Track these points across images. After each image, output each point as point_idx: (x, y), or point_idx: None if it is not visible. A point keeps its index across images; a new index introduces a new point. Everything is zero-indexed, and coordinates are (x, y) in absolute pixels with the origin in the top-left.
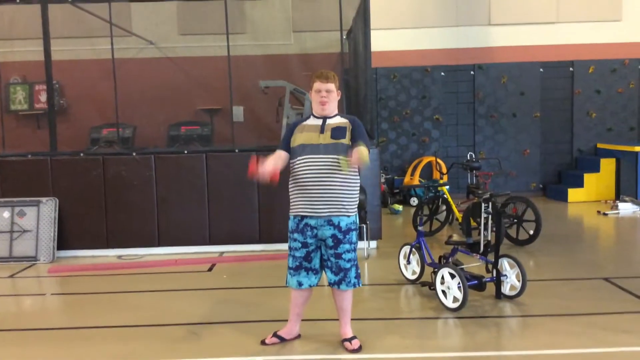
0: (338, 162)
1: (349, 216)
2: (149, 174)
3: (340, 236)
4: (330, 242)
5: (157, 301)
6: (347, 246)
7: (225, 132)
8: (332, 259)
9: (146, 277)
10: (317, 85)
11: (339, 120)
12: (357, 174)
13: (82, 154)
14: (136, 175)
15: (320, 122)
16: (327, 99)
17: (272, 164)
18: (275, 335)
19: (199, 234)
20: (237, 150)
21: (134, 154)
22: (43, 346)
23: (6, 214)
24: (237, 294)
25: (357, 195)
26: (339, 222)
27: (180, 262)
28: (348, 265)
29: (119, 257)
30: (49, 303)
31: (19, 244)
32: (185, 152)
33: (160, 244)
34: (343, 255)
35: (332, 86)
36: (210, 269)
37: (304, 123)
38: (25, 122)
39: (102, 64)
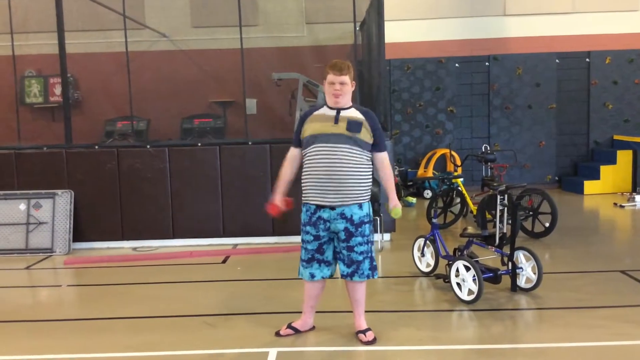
0: (350, 153)
1: (361, 207)
2: (163, 166)
3: (352, 229)
4: (342, 235)
5: (172, 292)
6: (359, 239)
7: (238, 124)
8: (345, 251)
9: (161, 268)
10: (331, 77)
11: (354, 114)
12: (370, 163)
13: (97, 147)
14: (150, 168)
15: (334, 112)
16: (340, 91)
17: (279, 194)
18: (289, 326)
19: (213, 226)
20: (250, 143)
21: (148, 146)
22: (59, 337)
23: (22, 206)
24: (251, 285)
25: (369, 184)
26: (351, 216)
27: (194, 254)
28: (360, 258)
29: (134, 249)
30: (64, 294)
31: (35, 236)
32: (199, 144)
33: (174, 236)
34: (355, 248)
35: (346, 78)
36: (224, 261)
37: (316, 113)
38: (40, 114)
39: (116, 57)
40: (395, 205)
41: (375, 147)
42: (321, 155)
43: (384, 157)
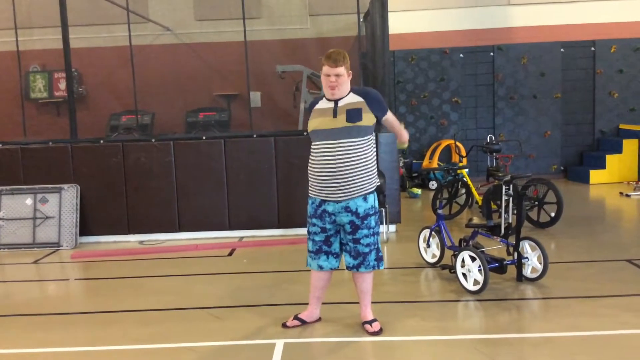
0: (352, 146)
1: (365, 199)
2: (168, 160)
3: (358, 222)
4: (348, 228)
5: (179, 285)
6: (365, 231)
7: (242, 117)
8: (351, 244)
9: (167, 262)
10: (326, 69)
11: (352, 100)
12: (374, 148)
13: (102, 141)
14: (156, 162)
15: (332, 104)
16: (336, 83)
17: None
18: (296, 318)
19: (218, 219)
20: (255, 136)
21: (153, 140)
22: (67, 330)
23: (29, 201)
24: (257, 278)
25: (374, 174)
26: (356, 209)
27: (200, 247)
28: (367, 250)
29: (141, 242)
30: (72, 288)
31: (41, 231)
32: (204, 138)
33: (180, 229)
34: (361, 241)
35: (341, 70)
36: (230, 254)
37: (317, 107)
38: (45, 110)
39: (120, 51)
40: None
41: (377, 116)
42: (323, 153)
43: (387, 118)
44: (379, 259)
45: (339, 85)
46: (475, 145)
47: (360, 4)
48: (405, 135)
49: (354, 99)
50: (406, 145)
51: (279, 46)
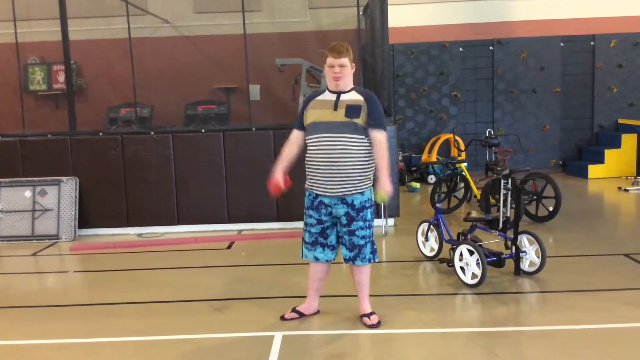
0: (351, 141)
1: (362, 193)
2: (167, 152)
3: (353, 214)
4: (344, 220)
5: (177, 278)
6: (360, 223)
7: (242, 110)
8: (346, 236)
9: (166, 254)
10: (330, 60)
11: (353, 97)
12: (371, 150)
13: (101, 134)
14: (154, 154)
15: (334, 97)
16: (340, 74)
17: (279, 173)
18: (294, 310)
19: (217, 212)
20: (254, 129)
21: (152, 133)
22: (66, 322)
23: (28, 193)
24: (256, 270)
25: (371, 171)
26: (352, 201)
27: (199, 240)
28: (362, 242)
29: (139, 235)
30: (71, 280)
31: (40, 223)
32: (203, 131)
33: (179, 222)
34: (357, 232)
35: (345, 60)
36: (229, 247)
37: (318, 98)
38: (44, 102)
39: (119, 44)
40: (381, 188)
41: (371, 125)
42: (322, 146)
43: (377, 135)
44: (374, 252)
45: (344, 76)
46: (474, 140)
47: None
48: (387, 181)
49: (355, 96)
50: (386, 198)
51: (279, 39)
